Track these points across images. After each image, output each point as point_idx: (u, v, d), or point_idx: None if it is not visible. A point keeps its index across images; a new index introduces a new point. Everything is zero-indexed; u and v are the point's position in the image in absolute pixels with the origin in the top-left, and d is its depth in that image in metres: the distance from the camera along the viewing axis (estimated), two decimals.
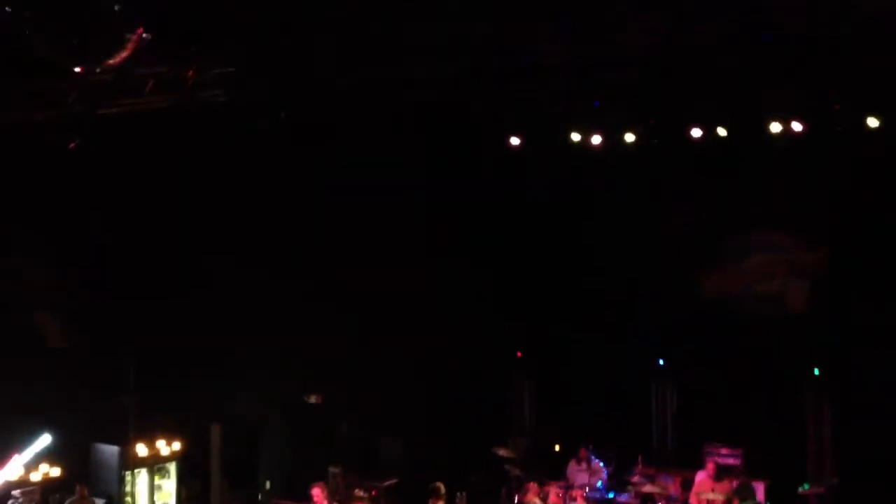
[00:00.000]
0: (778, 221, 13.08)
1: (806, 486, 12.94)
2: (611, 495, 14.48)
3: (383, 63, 10.44)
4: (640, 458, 14.68)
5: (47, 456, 13.87)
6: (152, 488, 14.59)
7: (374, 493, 14.61)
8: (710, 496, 13.53)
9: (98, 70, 9.57)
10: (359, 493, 14.52)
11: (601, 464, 14.73)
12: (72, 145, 11.84)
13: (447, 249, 15.40)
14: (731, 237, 13.27)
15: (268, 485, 15.72)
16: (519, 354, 16.67)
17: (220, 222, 14.89)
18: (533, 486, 14.22)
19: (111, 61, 9.37)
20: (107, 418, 14.56)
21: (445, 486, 13.42)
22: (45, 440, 13.84)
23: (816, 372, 14.21)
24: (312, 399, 15.49)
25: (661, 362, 15.78)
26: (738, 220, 13.26)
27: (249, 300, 14.86)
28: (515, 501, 14.37)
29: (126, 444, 14.33)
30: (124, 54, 9.31)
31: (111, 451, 14.51)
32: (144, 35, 9.21)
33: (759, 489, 13.89)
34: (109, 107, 10.98)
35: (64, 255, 13.93)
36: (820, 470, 14.05)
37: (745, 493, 13.75)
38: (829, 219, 12.91)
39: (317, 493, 12.75)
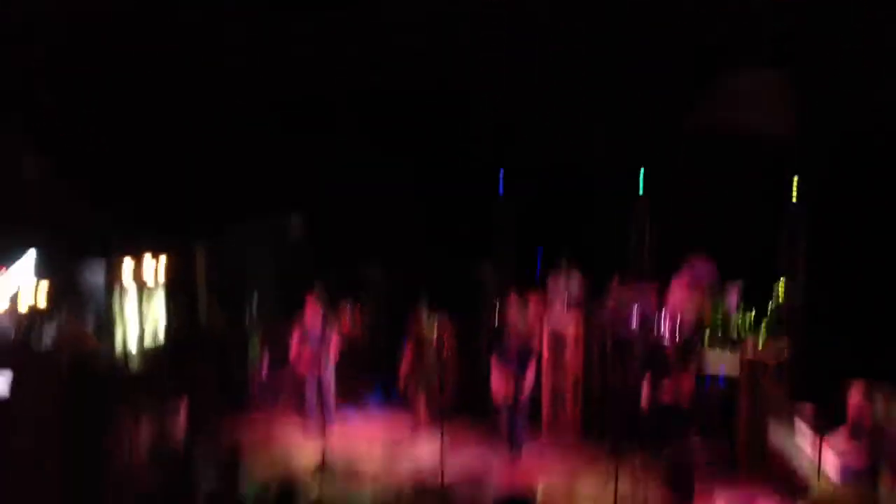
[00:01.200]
0: None
1: None
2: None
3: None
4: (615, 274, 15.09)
5: (33, 277, 13.95)
6: (141, 305, 14.74)
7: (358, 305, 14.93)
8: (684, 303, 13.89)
9: None
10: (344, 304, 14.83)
11: (579, 273, 15.08)
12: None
13: None
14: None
15: (255, 300, 15.94)
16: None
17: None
18: (513, 298, 14.55)
19: None
20: (92, 238, 14.64)
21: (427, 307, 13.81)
22: (29, 257, 13.93)
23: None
24: (293, 226, 15.63)
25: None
26: None
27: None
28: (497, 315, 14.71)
29: (112, 264, 14.44)
30: None
31: (97, 270, 14.63)
32: None
33: (733, 292, 14.30)
34: None
35: None
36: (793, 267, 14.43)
37: (718, 297, 14.15)
38: None
39: (311, 300, 13.18)
